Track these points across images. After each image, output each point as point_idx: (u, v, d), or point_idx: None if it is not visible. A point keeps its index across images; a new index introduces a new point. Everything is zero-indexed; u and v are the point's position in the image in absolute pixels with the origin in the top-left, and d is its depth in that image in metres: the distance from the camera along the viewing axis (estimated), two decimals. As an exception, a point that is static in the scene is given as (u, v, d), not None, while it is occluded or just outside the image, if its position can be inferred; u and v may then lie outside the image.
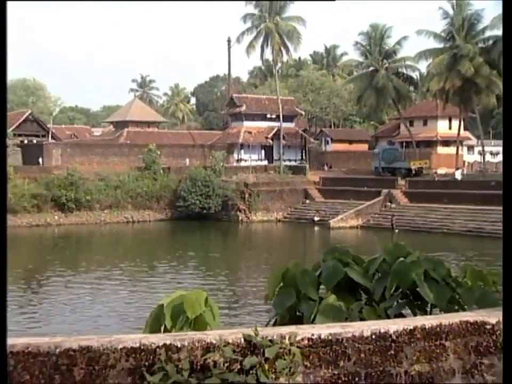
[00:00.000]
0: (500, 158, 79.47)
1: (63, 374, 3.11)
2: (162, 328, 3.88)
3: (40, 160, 56.80)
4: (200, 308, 3.84)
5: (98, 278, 29.83)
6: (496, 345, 3.67)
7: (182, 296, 3.89)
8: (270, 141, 68.68)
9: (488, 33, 56.24)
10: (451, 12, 56.99)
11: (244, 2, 63.52)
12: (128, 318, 21.53)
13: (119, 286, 27.96)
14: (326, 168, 68.55)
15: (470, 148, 78.50)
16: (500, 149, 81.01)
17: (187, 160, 62.67)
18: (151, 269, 32.79)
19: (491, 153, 77.60)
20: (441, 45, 57.76)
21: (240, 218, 54.14)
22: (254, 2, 63.45)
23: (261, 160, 68.13)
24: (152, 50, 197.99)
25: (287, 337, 3.29)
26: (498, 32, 53.80)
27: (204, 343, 3.20)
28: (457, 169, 55.68)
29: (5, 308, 3.23)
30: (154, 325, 3.92)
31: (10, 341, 3.17)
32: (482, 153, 62.59)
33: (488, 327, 3.67)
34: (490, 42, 55.63)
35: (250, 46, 63.86)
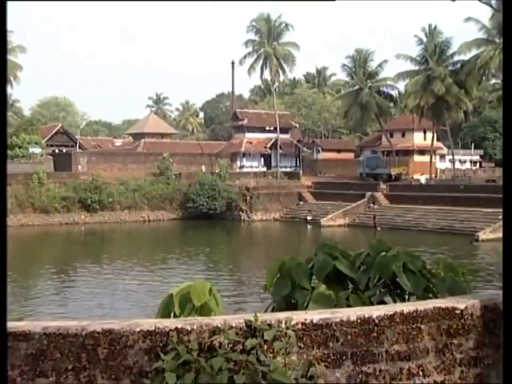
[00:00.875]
0: (467, 165, 79.59)
1: (88, 353, 3.12)
2: (172, 315, 3.87)
3: (80, 167, 56.60)
4: (205, 296, 3.81)
5: (119, 269, 29.81)
6: (464, 327, 3.67)
7: (189, 286, 3.87)
8: (269, 150, 68.77)
9: (456, 58, 56.78)
10: (425, 39, 57.30)
11: (246, 29, 63.86)
12: (143, 305, 21.48)
13: (137, 276, 27.91)
14: (320, 174, 68.59)
15: (442, 157, 78.36)
16: (467, 157, 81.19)
17: (203, 166, 62.50)
18: (163, 262, 32.74)
19: (460, 161, 77.59)
20: (416, 67, 58.06)
21: (242, 217, 54.18)
22: (255, 29, 63.59)
23: (261, 167, 68.15)
24: (167, 71, 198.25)
25: (283, 322, 3.29)
26: (465, 57, 54.50)
27: (210, 326, 3.20)
28: (421, 175, 56.29)
29: (5, 302, 3.20)
30: (165, 312, 3.89)
31: (43, 323, 3.18)
32: (452, 161, 62.75)
33: (457, 312, 3.67)
34: (459, 65, 56.09)
35: (251, 67, 64.03)
